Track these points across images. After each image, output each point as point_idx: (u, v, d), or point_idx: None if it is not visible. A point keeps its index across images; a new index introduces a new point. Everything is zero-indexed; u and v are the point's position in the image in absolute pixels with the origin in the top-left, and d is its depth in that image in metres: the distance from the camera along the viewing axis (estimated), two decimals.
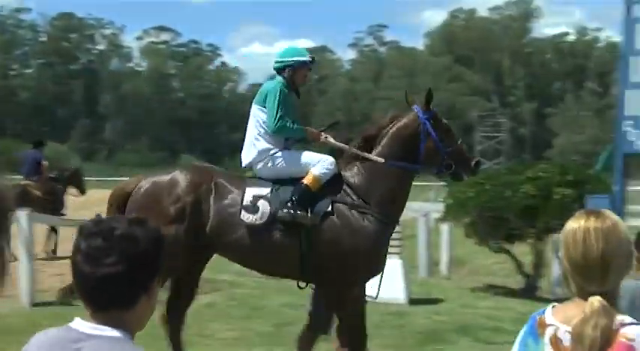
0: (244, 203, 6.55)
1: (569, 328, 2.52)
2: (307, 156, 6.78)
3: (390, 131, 6.90)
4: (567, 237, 2.62)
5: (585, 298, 2.56)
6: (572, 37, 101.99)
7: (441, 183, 23.66)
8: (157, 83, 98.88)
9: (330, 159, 6.76)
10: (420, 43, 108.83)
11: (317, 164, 6.67)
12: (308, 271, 6.61)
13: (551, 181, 12.67)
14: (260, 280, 12.73)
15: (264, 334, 9.32)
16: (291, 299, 10.97)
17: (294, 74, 6.93)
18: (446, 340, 9.15)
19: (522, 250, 13.83)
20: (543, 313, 2.68)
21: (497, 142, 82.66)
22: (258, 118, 6.83)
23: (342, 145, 6.98)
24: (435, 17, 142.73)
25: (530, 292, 13.32)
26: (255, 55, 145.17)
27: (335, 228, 6.52)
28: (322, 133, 6.98)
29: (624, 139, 10.40)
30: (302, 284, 6.82)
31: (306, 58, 7.05)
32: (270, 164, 6.77)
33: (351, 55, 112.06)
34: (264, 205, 6.55)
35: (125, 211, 6.54)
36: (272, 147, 6.77)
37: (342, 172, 6.76)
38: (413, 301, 11.68)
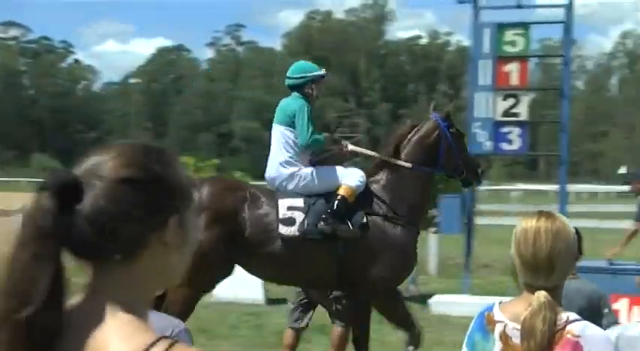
0: (280, 216, 6.57)
1: (517, 325, 2.63)
2: (338, 170, 6.94)
3: (413, 138, 7.17)
4: (519, 236, 2.76)
5: (532, 292, 2.69)
6: (424, 41, 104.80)
7: None
8: (7, 80, 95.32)
9: (360, 172, 6.96)
10: (277, 44, 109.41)
11: (350, 177, 6.82)
12: (344, 283, 6.69)
13: None
14: None
15: None
16: None
17: (315, 88, 7.12)
18: (304, 339, 9.23)
19: None
20: (491, 309, 2.78)
21: (354, 143, 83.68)
22: (286, 138, 6.93)
23: (371, 152, 7.38)
24: (291, 18, 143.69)
25: None
26: (109, 53, 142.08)
27: (371, 240, 6.63)
28: (344, 142, 7.41)
29: (474, 140, 10.78)
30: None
31: (322, 71, 7.28)
32: (302, 182, 6.82)
33: (208, 54, 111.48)
34: (299, 217, 6.59)
35: None
36: (302, 166, 6.88)
37: (369, 183, 6.94)
38: (271, 301, 11.71)
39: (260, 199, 6.67)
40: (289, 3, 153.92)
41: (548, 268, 2.70)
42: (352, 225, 6.60)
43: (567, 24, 10.89)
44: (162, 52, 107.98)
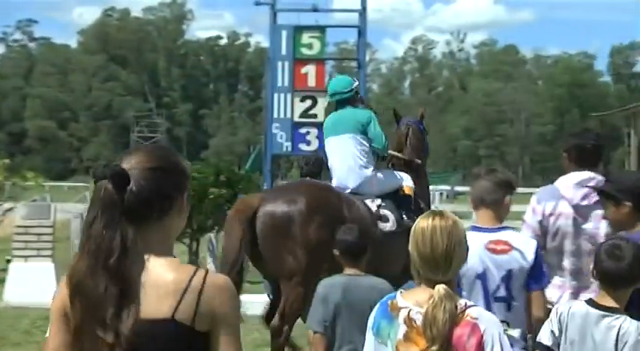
0: (374, 213, 7.29)
1: (422, 310, 2.98)
2: (395, 173, 7.88)
3: (409, 137, 8.26)
4: (417, 234, 3.11)
5: (431, 286, 3.02)
6: (224, 41, 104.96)
7: None
8: None
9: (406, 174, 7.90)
10: (73, 41, 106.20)
11: (406, 178, 7.81)
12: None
13: (206, 181, 12.92)
14: None
15: None
16: None
17: (357, 98, 7.91)
18: None
19: (180, 249, 13.99)
20: (394, 297, 3.14)
21: (153, 143, 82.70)
22: (361, 145, 7.53)
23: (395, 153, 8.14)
24: (87, 15, 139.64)
25: None
26: None
27: None
28: None
29: (274, 140, 10.93)
30: None
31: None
32: (376, 184, 7.54)
33: None
34: (389, 214, 7.36)
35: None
36: (373, 170, 7.58)
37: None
38: None
39: (349, 200, 7.23)
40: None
41: (445, 263, 3.03)
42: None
43: (361, 28, 11.24)
44: None
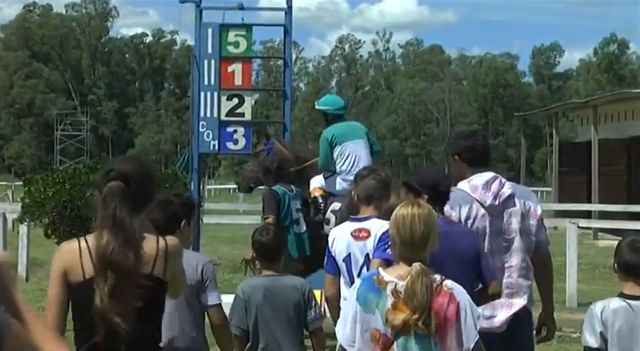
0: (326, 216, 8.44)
1: (404, 283, 3.54)
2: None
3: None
4: (397, 220, 3.65)
5: (408, 264, 3.58)
6: (149, 39, 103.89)
7: (19, 182, 22.61)
8: None
9: None
10: None
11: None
12: None
13: None
14: None
15: None
16: None
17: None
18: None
19: None
20: (377, 273, 3.67)
21: (78, 141, 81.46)
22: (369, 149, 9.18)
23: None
24: (6, 10, 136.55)
25: None
26: None
27: None
28: None
29: (201, 139, 10.90)
30: None
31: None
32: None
33: None
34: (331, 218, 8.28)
35: None
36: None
37: None
38: None
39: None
40: None
41: (422, 245, 3.60)
42: None
43: (287, 27, 11.27)
44: None
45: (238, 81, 11.12)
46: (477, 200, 4.85)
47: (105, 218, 3.29)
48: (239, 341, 4.87)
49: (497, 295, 4.60)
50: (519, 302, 4.88)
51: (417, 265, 3.54)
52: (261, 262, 5.15)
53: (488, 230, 4.84)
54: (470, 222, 4.82)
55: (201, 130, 10.92)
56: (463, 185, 4.94)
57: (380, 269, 3.73)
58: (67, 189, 12.78)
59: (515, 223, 4.89)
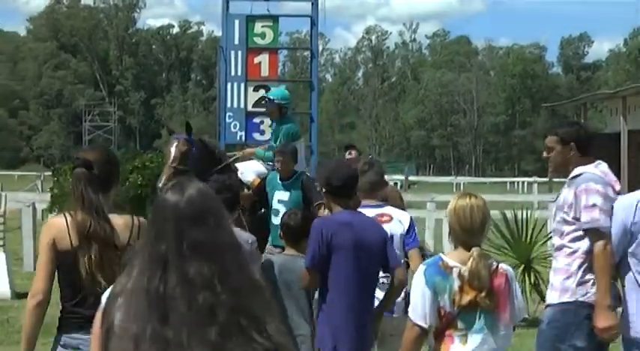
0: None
1: (467, 267, 4.00)
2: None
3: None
4: (458, 210, 4.10)
5: (467, 249, 4.05)
6: (176, 30, 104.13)
7: (48, 173, 22.76)
8: None
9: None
10: (22, 28, 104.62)
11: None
12: None
13: (159, 170, 12.83)
14: None
15: None
16: None
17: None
18: (54, 333, 8.98)
19: None
20: (440, 260, 4.11)
21: (105, 132, 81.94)
22: None
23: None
24: (35, 2, 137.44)
25: None
26: None
27: None
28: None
29: (227, 130, 10.92)
30: None
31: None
32: None
33: None
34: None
35: None
36: None
37: None
38: (18, 295, 11.26)
39: None
40: None
41: (480, 232, 4.12)
42: None
43: (314, 18, 11.25)
44: None
45: (265, 72, 11.14)
46: (610, 185, 4.92)
47: (76, 199, 3.94)
48: None
49: (404, 282, 5.03)
50: None
51: (476, 249, 4.03)
52: (287, 242, 5.58)
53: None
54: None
55: (227, 121, 10.96)
56: (591, 169, 4.94)
57: (442, 255, 4.23)
58: None
59: None
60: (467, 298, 4.01)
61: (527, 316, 9.23)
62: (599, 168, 4.97)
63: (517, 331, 7.74)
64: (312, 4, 11.22)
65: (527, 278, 9.37)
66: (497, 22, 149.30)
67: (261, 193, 8.07)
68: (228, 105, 11.02)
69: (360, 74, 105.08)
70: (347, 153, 13.22)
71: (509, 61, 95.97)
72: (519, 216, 9.89)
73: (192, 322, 2.29)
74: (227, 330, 2.29)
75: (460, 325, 4.07)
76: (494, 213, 10.84)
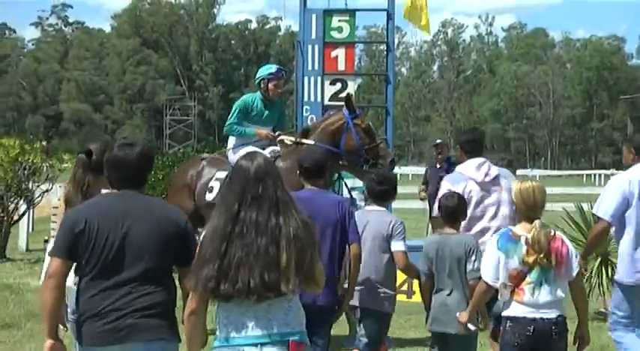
0: (208, 185, 8.34)
1: (530, 235, 5.13)
2: (249, 149, 7.82)
3: (320, 126, 8.21)
4: (522, 191, 5.27)
5: (530, 222, 5.20)
6: (254, 25, 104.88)
7: None
8: None
9: (258, 149, 7.71)
10: (106, 25, 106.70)
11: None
12: None
13: None
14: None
15: None
16: None
17: (267, 85, 8.50)
18: None
19: None
20: (510, 231, 5.27)
21: (186, 125, 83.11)
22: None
23: (286, 137, 8.44)
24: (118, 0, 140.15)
25: None
26: None
27: None
28: (271, 133, 8.51)
29: (305, 123, 10.96)
30: None
31: (271, 70, 8.57)
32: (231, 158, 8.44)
33: (34, 34, 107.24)
34: (216, 187, 8.15)
35: None
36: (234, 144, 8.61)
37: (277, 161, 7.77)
38: None
39: (205, 169, 8.60)
40: None
41: (541, 208, 5.27)
42: None
43: (390, 12, 11.20)
44: None
45: (341, 66, 11.12)
46: (472, 178, 6.52)
47: (71, 177, 5.24)
48: (426, 282, 6.19)
49: (357, 256, 5.67)
50: None
51: (538, 221, 5.19)
52: (446, 223, 6.12)
53: (479, 200, 6.52)
54: (466, 195, 6.33)
55: (305, 114, 10.98)
56: (461, 168, 6.69)
57: (510, 227, 5.35)
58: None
59: (505, 196, 6.50)
60: (532, 258, 5.12)
61: (603, 309, 9.11)
62: (466, 165, 6.69)
63: (593, 324, 7.68)
64: None
65: (604, 271, 9.18)
66: (574, 14, 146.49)
67: None
68: (305, 98, 11.04)
69: (435, 67, 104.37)
70: (437, 153, 13.19)
71: (586, 53, 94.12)
72: None
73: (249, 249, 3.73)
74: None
75: (528, 279, 5.16)
76: (570, 205, 10.67)
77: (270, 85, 8.48)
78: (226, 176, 7.59)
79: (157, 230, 4.13)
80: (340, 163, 8.19)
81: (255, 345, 3.68)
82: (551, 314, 5.13)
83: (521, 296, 5.15)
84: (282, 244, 3.66)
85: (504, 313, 5.24)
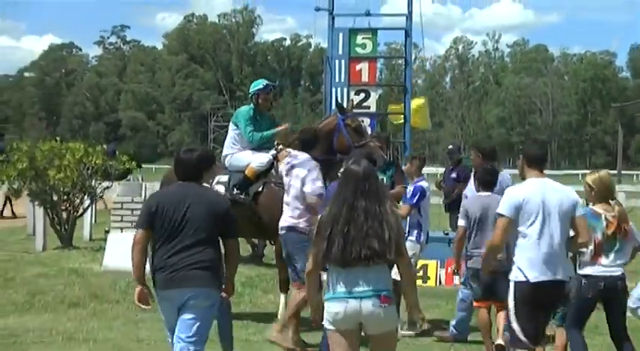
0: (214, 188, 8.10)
1: (608, 214, 5.83)
2: (250, 155, 8.23)
3: (317, 128, 8.03)
4: (596, 179, 5.93)
5: (606, 202, 5.89)
6: (288, 42, 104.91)
7: None
8: None
9: (265, 157, 8.08)
10: (159, 43, 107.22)
11: (256, 160, 8.12)
12: (258, 232, 8.48)
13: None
14: (13, 254, 12.07)
15: (18, 303, 8.86)
16: (43, 270, 10.51)
17: (257, 99, 8.46)
18: None
19: None
20: (590, 210, 5.82)
21: (227, 132, 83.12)
22: (231, 133, 8.55)
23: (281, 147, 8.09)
24: (167, 20, 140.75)
25: None
26: (0, 48, 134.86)
27: (265, 199, 7.98)
28: (287, 126, 8.59)
29: None
30: None
31: (259, 87, 8.48)
32: (229, 162, 8.41)
33: (96, 51, 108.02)
34: (219, 189, 7.95)
35: None
36: (234, 151, 8.42)
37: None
38: None
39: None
40: (164, 5, 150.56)
41: (614, 190, 6.08)
42: (247, 193, 8.02)
43: (408, 30, 11.18)
44: (53, 48, 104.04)
45: (365, 78, 11.14)
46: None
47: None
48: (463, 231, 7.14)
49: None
50: None
51: (615, 201, 5.91)
52: (482, 187, 7.04)
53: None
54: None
55: None
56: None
57: (590, 207, 5.86)
58: None
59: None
60: (611, 230, 5.78)
61: None
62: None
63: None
64: (407, 18, 11.16)
65: None
66: (571, 32, 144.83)
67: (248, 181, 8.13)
68: (333, 107, 11.05)
69: (447, 79, 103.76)
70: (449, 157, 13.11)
71: (581, 67, 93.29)
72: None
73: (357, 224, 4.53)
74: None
75: (605, 248, 5.80)
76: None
77: (260, 100, 8.44)
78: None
79: (206, 210, 5.07)
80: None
81: (356, 297, 4.45)
82: (619, 272, 5.86)
83: (601, 261, 5.79)
84: (384, 225, 4.48)
85: (581, 272, 5.86)
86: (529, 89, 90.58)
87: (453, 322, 7.48)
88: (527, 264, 5.20)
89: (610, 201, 5.83)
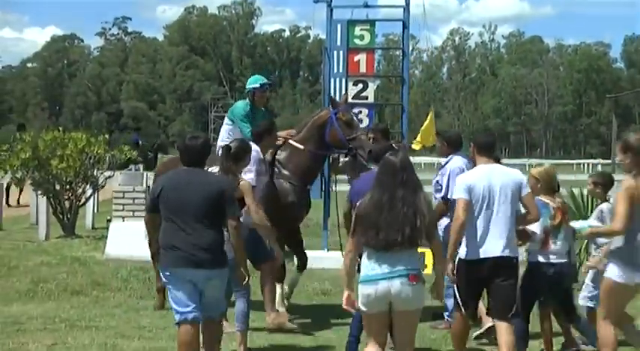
0: None
1: (557, 203, 6.10)
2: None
3: (310, 121, 8.13)
4: (541, 172, 6.21)
5: (551, 193, 6.09)
6: (287, 34, 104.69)
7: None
8: None
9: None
10: (159, 34, 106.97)
11: None
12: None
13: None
14: (17, 243, 12.07)
15: (21, 291, 8.87)
16: (46, 259, 10.51)
17: (253, 96, 8.35)
18: None
19: None
20: (539, 200, 5.86)
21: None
22: (226, 126, 8.46)
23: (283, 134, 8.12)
24: (168, 12, 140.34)
25: None
26: (4, 39, 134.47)
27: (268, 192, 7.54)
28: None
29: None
30: None
31: (256, 85, 8.35)
32: None
33: (98, 43, 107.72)
34: None
35: None
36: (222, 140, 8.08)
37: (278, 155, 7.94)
38: None
39: None
40: None
41: (556, 184, 6.25)
42: None
43: (405, 22, 11.13)
44: (56, 39, 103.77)
45: (363, 69, 11.08)
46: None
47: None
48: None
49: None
50: None
51: (558, 193, 6.18)
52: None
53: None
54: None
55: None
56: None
57: (539, 197, 5.97)
58: None
59: None
60: (558, 219, 5.99)
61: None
62: None
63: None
64: (404, 10, 11.10)
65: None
66: (566, 24, 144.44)
67: None
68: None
69: (444, 70, 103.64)
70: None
71: (576, 58, 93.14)
72: (585, 193, 9.60)
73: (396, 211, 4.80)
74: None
75: (553, 235, 5.97)
76: (562, 190, 10.58)
77: (256, 97, 8.39)
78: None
79: (207, 193, 5.28)
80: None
81: (386, 278, 4.73)
82: (566, 259, 6.07)
83: (549, 246, 5.98)
84: (417, 213, 4.76)
85: (531, 259, 6.08)
86: (525, 80, 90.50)
87: (447, 313, 7.47)
88: (472, 242, 5.54)
89: (557, 192, 6.17)
